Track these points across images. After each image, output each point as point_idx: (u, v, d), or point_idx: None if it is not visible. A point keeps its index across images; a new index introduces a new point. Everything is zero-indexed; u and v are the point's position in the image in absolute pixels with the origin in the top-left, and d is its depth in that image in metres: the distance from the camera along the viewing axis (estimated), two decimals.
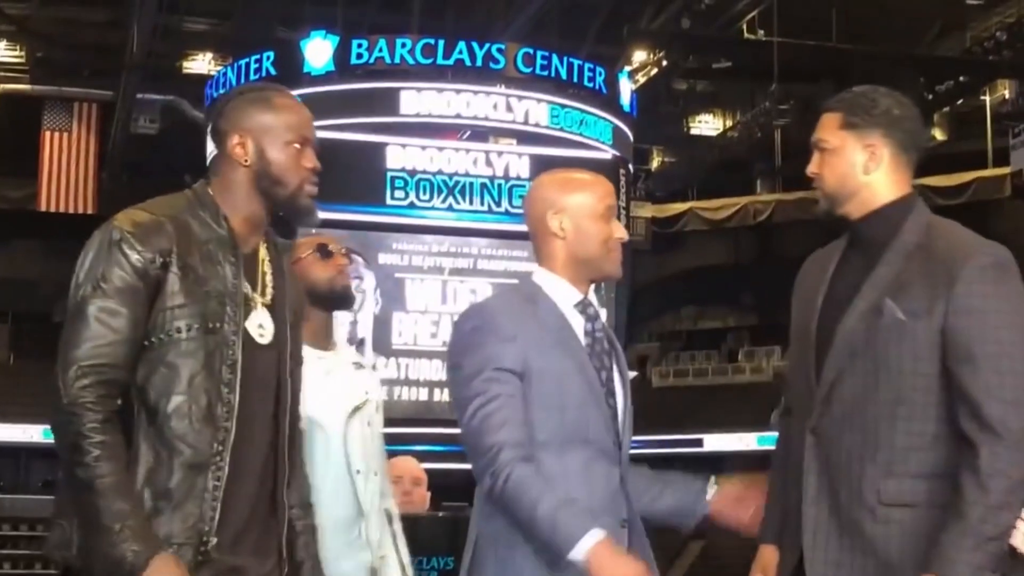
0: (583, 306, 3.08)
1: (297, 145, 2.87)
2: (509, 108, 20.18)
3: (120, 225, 2.72)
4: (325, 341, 3.93)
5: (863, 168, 3.01)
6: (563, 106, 20.62)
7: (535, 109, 20.33)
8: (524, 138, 20.65)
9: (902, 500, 2.82)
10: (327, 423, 3.78)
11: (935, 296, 2.82)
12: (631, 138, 22.22)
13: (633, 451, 3.14)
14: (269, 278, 2.90)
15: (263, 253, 2.92)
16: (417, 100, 19.87)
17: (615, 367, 3.09)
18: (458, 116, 20.06)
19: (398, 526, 4.04)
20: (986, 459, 2.71)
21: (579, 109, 20.79)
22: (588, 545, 2.73)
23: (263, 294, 2.87)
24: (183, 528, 2.65)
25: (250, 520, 2.79)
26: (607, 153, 21.05)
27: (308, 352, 3.70)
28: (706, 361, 31.45)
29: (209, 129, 2.99)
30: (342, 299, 3.96)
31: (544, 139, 20.39)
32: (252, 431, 2.78)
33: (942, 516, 2.74)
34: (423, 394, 19.46)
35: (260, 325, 2.83)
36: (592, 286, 3.16)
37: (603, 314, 3.26)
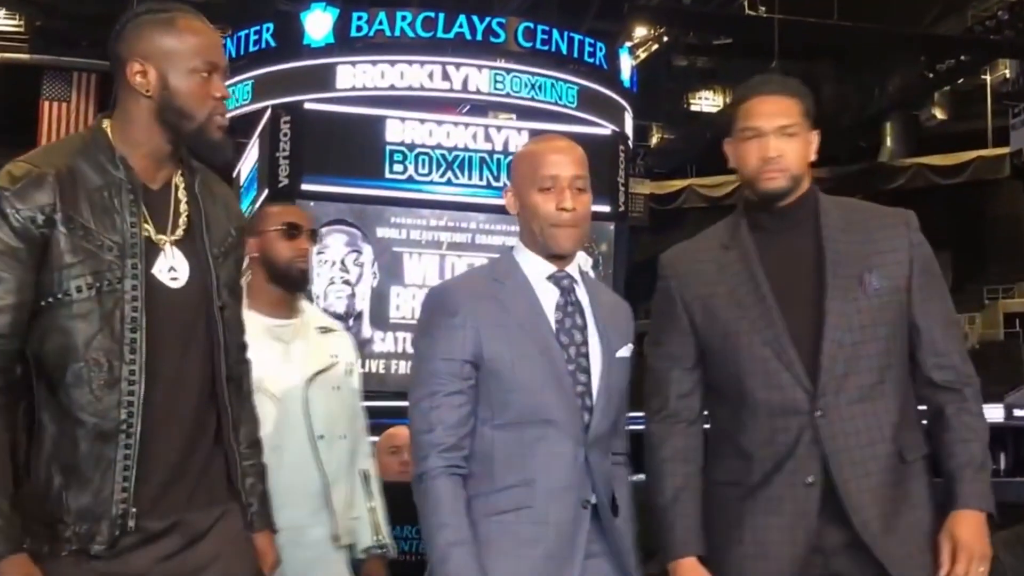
0: (557, 279, 3.01)
1: (204, 73, 2.61)
2: (446, 76, 19.96)
3: None
4: (286, 310, 3.88)
5: (808, 156, 3.12)
6: (508, 71, 20.19)
7: (475, 76, 20.11)
8: (524, 113, 20.59)
9: (920, 452, 3.05)
10: (282, 393, 3.73)
11: (898, 261, 3.03)
12: (628, 108, 22.12)
13: (630, 427, 3.13)
14: (184, 211, 2.67)
15: (178, 183, 2.69)
16: (352, 74, 19.73)
17: (598, 341, 3.00)
18: (392, 87, 19.84)
19: (375, 486, 4.03)
20: (972, 401, 3.05)
21: (530, 73, 20.30)
22: None
23: (172, 232, 2.63)
24: (95, 502, 2.49)
25: (179, 475, 2.60)
26: (606, 129, 20.99)
27: (261, 321, 3.69)
28: None
29: (109, 54, 2.70)
30: (296, 282, 3.90)
31: (545, 114, 20.33)
32: (175, 384, 2.59)
33: (932, 458, 3.06)
34: None
35: (171, 268, 2.61)
36: (585, 258, 3.10)
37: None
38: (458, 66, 20.00)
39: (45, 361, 2.52)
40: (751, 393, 3.00)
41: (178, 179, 2.69)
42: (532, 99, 20.33)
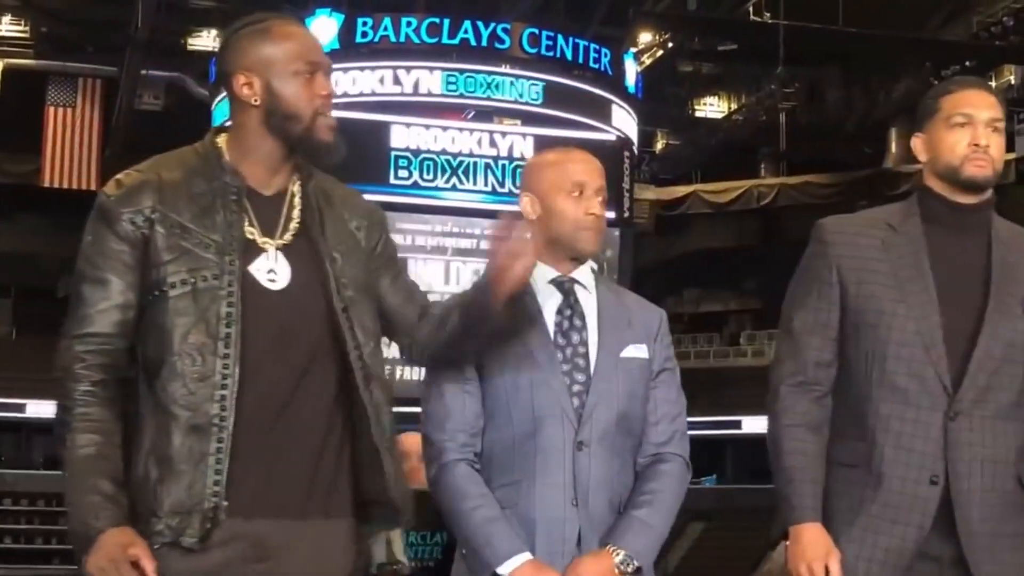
0: (559, 283, 3.06)
1: (307, 73, 2.68)
2: (397, 81, 19.94)
3: (105, 190, 2.64)
4: None
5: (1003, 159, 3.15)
6: (461, 71, 20.11)
7: (426, 78, 20.06)
8: (529, 119, 20.61)
9: None
10: None
11: None
12: (634, 116, 22.13)
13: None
14: (297, 217, 2.71)
15: (294, 190, 2.73)
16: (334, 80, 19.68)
17: (598, 341, 3.03)
18: (345, 94, 19.79)
19: None
20: None
21: (486, 72, 20.26)
22: (516, 564, 2.83)
23: (280, 236, 2.67)
24: (188, 495, 2.52)
25: (282, 478, 2.60)
26: (611, 134, 21.01)
27: None
28: (707, 344, 31.47)
29: (216, 75, 2.84)
30: None
31: (549, 120, 20.35)
32: (277, 384, 2.60)
33: None
34: None
35: (271, 271, 2.64)
36: (589, 262, 3.12)
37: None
38: (408, 69, 19.92)
39: (146, 355, 2.58)
40: (891, 377, 2.99)
41: (295, 187, 2.74)
42: (488, 99, 20.15)
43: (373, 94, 19.67)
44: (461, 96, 20.00)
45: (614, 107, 21.35)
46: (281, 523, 2.60)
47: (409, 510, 2.75)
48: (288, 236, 2.69)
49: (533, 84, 20.36)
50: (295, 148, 2.71)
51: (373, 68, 19.66)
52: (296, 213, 2.71)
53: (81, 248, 2.62)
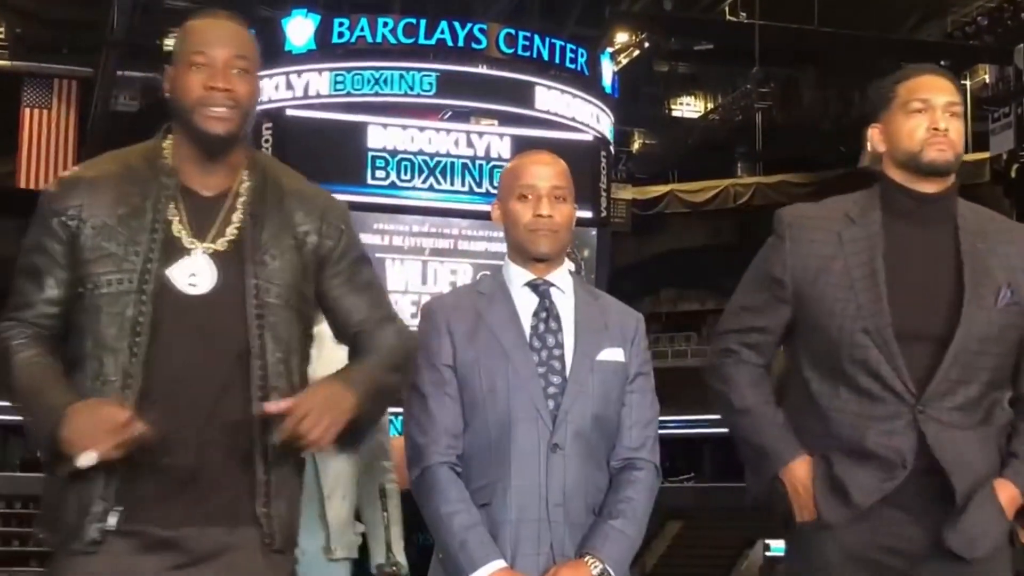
0: (535, 286, 3.07)
1: (197, 64, 2.61)
2: (290, 86, 19.83)
3: (47, 186, 2.66)
4: None
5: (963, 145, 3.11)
6: (348, 70, 19.93)
7: (315, 80, 19.92)
8: (506, 119, 20.60)
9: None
10: None
11: None
12: (611, 117, 22.14)
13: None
14: (237, 221, 2.63)
15: (240, 192, 2.66)
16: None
17: (574, 344, 3.03)
18: (318, 94, 19.81)
19: (392, 503, 4.04)
20: None
21: (373, 68, 20.02)
22: (489, 572, 2.86)
23: (215, 239, 2.61)
24: (84, 497, 2.47)
25: (186, 486, 2.52)
26: (588, 134, 21.01)
27: None
28: (685, 343, 31.49)
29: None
30: None
31: (526, 120, 20.35)
32: (186, 392, 2.52)
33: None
34: None
35: (192, 274, 2.57)
36: (566, 264, 3.13)
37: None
38: (300, 73, 19.84)
39: (67, 353, 2.58)
40: (852, 379, 2.97)
41: (242, 187, 2.68)
42: (376, 94, 19.96)
43: (270, 100, 19.53)
44: (348, 95, 19.79)
45: (538, 88, 20.90)
46: (197, 530, 2.53)
47: (280, 536, 2.60)
48: (224, 240, 2.62)
49: (425, 76, 20.04)
50: (195, 142, 2.64)
51: (270, 76, 19.52)
52: (236, 216, 2.64)
53: (23, 241, 2.62)
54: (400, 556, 4.03)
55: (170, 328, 2.53)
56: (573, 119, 20.86)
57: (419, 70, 20.02)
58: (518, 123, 20.31)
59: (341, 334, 2.78)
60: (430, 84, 20.06)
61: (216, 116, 2.61)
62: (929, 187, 3.04)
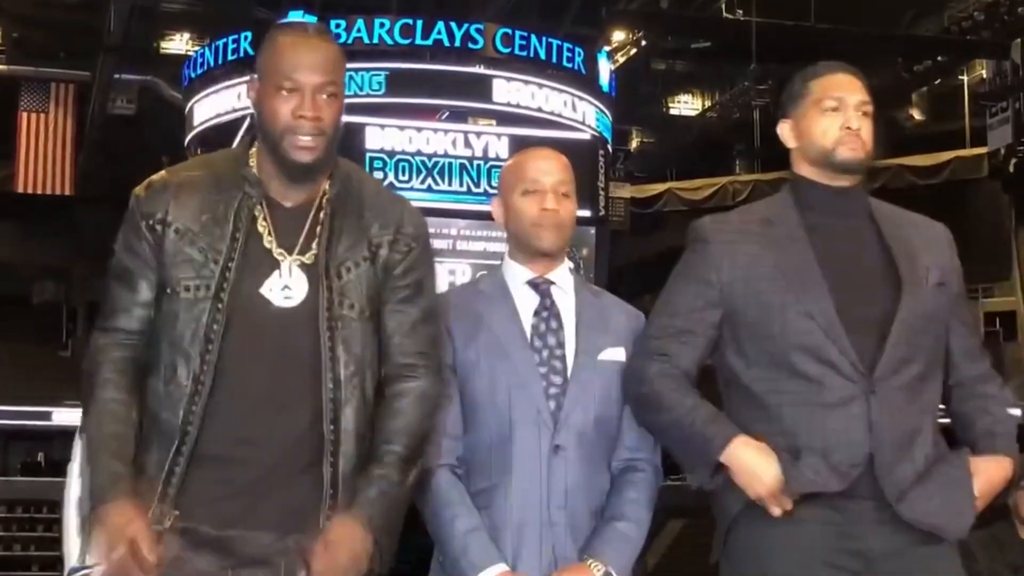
0: (535, 284, 3.05)
1: (285, 91, 2.60)
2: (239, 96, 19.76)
3: (136, 190, 2.68)
4: None
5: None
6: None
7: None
8: (503, 119, 20.58)
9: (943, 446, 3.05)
10: None
11: (953, 264, 3.12)
12: (610, 118, 22.11)
13: None
14: (322, 235, 2.65)
15: (323, 204, 2.68)
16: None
17: (575, 343, 3.02)
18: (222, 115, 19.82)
19: None
20: (1002, 384, 3.17)
21: (353, 69, 19.61)
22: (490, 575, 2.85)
23: (300, 251, 2.64)
24: (147, 495, 2.53)
25: (252, 492, 2.58)
26: (586, 133, 20.99)
27: None
28: None
29: None
30: None
31: (523, 120, 20.33)
32: (261, 403, 2.56)
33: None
34: None
35: (286, 287, 2.60)
36: (567, 263, 3.12)
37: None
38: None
39: (148, 354, 2.61)
40: (801, 368, 2.94)
41: (324, 198, 2.70)
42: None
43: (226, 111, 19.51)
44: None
45: (496, 82, 20.68)
46: (254, 533, 2.58)
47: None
48: (311, 253, 2.64)
49: (375, 75, 19.88)
50: (280, 164, 2.65)
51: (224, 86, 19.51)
52: (319, 228, 2.66)
53: (114, 245, 2.67)
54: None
55: (243, 337, 2.57)
56: (539, 109, 20.66)
57: (367, 70, 19.88)
58: (515, 123, 20.28)
59: (380, 356, 2.74)
60: (379, 83, 20.03)
61: (303, 146, 2.61)
62: (842, 181, 3.08)
